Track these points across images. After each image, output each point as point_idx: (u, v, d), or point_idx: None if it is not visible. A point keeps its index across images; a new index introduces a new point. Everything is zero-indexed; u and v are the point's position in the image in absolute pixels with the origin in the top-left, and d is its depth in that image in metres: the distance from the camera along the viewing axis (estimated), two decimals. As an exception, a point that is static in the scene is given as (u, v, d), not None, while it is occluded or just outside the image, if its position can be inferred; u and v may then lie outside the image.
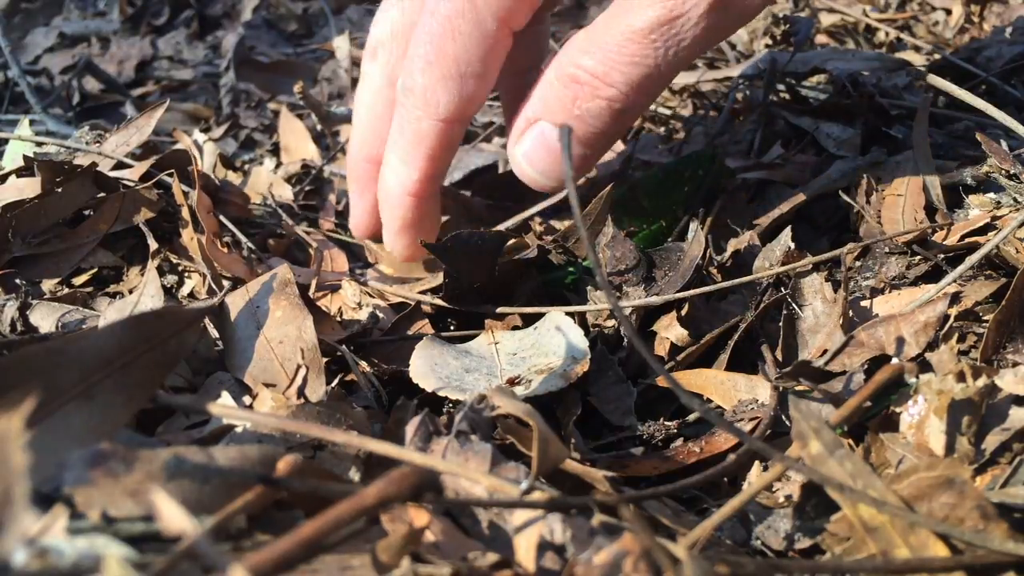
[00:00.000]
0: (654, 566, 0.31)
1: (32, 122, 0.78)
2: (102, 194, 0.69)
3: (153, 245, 0.66)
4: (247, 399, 0.50)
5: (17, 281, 0.62)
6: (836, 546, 0.38)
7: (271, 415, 0.44)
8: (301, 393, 0.50)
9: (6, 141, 0.78)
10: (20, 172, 0.69)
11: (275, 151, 1.12)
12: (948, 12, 1.22)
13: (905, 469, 0.37)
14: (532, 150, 0.60)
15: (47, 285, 0.64)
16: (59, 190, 0.67)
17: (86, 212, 0.69)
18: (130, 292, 0.65)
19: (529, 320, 0.62)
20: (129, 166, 0.73)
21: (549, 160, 0.60)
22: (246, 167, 1.05)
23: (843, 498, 0.36)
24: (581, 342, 0.53)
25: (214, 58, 1.49)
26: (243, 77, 1.32)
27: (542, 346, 0.55)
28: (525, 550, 0.34)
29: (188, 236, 0.67)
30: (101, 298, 0.64)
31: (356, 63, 1.37)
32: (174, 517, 0.28)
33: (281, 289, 0.57)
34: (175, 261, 0.66)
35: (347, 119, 1.05)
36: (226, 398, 0.47)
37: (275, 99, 1.31)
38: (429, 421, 0.42)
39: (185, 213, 0.68)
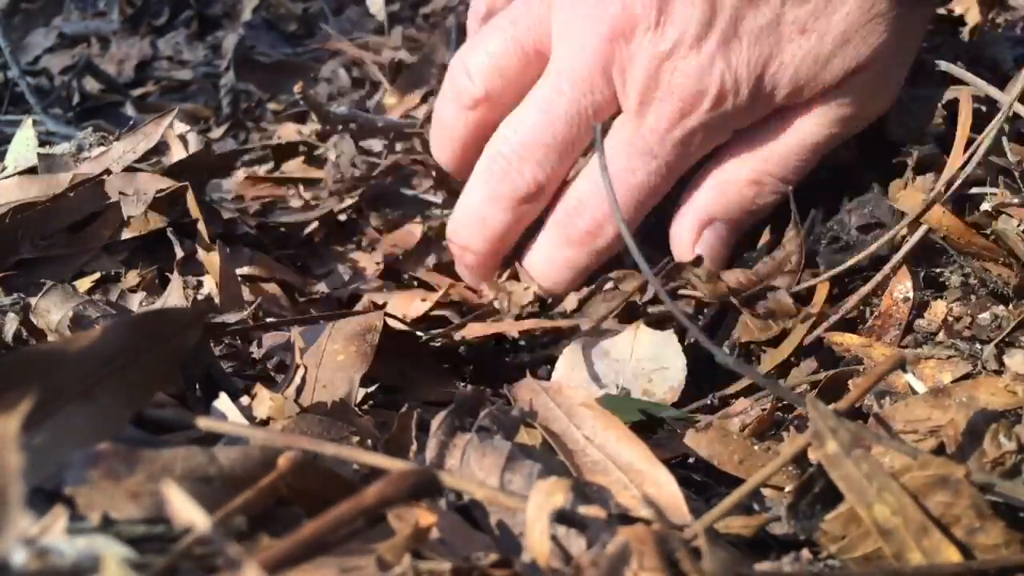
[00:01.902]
0: (665, 558, 0.31)
1: (33, 122, 0.77)
2: (111, 199, 0.69)
3: (180, 253, 0.66)
4: (245, 399, 0.49)
5: (16, 294, 0.62)
6: (831, 545, 0.37)
7: (259, 428, 0.42)
8: (299, 394, 0.50)
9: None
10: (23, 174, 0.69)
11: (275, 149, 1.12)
12: (949, 12, 1.22)
13: (898, 468, 0.36)
14: (713, 248, 0.67)
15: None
16: (71, 194, 0.67)
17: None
18: (130, 291, 0.64)
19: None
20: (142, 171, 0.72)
21: (724, 256, 0.69)
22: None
23: (857, 499, 0.35)
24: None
25: (214, 58, 1.49)
26: (243, 77, 1.32)
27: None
28: (539, 537, 0.33)
29: (204, 251, 0.67)
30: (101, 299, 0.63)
31: (356, 64, 1.37)
32: (185, 510, 0.28)
33: (361, 334, 0.53)
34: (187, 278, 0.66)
35: (347, 119, 1.05)
36: (223, 399, 0.47)
37: (275, 99, 1.31)
38: (455, 416, 0.43)
39: (201, 228, 0.67)
